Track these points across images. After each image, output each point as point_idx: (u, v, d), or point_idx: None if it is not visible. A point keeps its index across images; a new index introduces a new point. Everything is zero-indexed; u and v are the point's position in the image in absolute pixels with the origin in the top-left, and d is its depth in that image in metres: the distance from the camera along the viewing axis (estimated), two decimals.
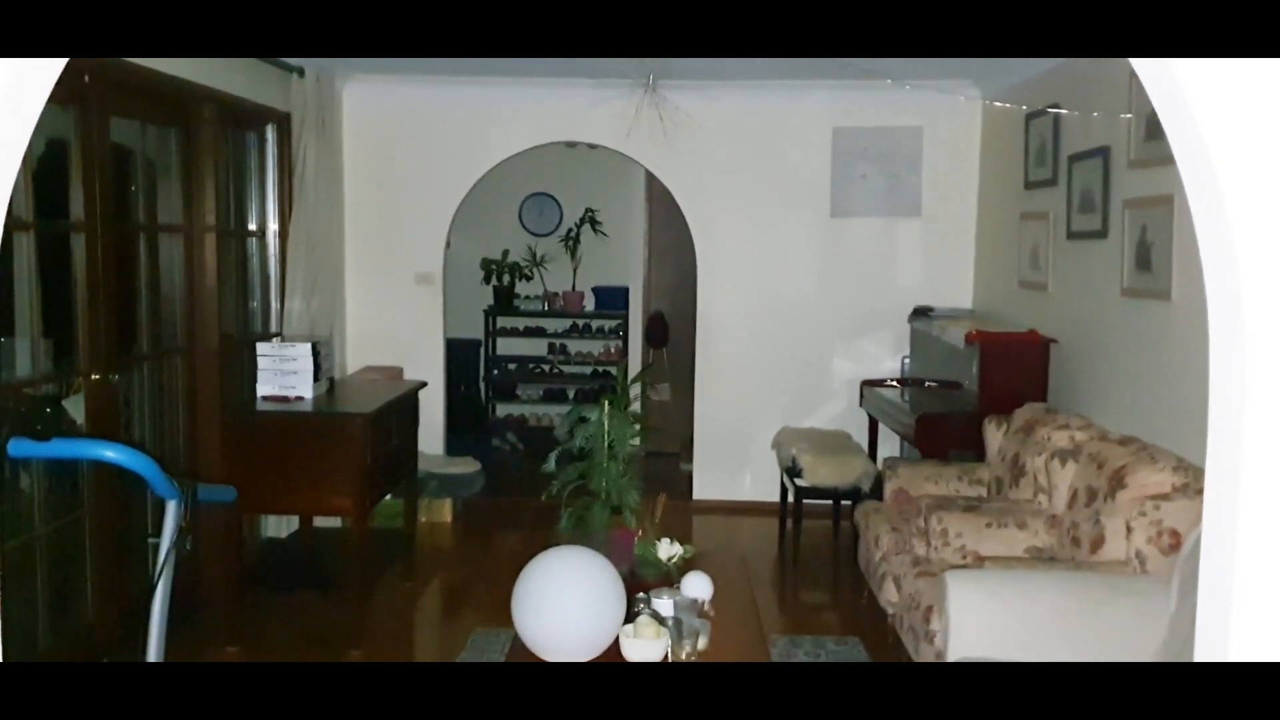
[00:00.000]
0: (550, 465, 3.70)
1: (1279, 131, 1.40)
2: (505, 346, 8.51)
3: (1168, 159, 1.60)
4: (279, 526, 5.57)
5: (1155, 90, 1.53)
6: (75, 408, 3.99)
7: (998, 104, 5.76)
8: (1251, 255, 1.44)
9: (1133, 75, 1.62)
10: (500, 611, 2.82)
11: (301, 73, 5.61)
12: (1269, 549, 1.46)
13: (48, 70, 1.47)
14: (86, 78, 3.89)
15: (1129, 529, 3.40)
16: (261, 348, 4.54)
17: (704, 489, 6.70)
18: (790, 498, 5.82)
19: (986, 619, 3.16)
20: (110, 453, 2.19)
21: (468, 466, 6.44)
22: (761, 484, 6.52)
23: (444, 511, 6.29)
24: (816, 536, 5.90)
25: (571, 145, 7.40)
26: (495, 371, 8.46)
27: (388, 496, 5.34)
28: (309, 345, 4.52)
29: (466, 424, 7.65)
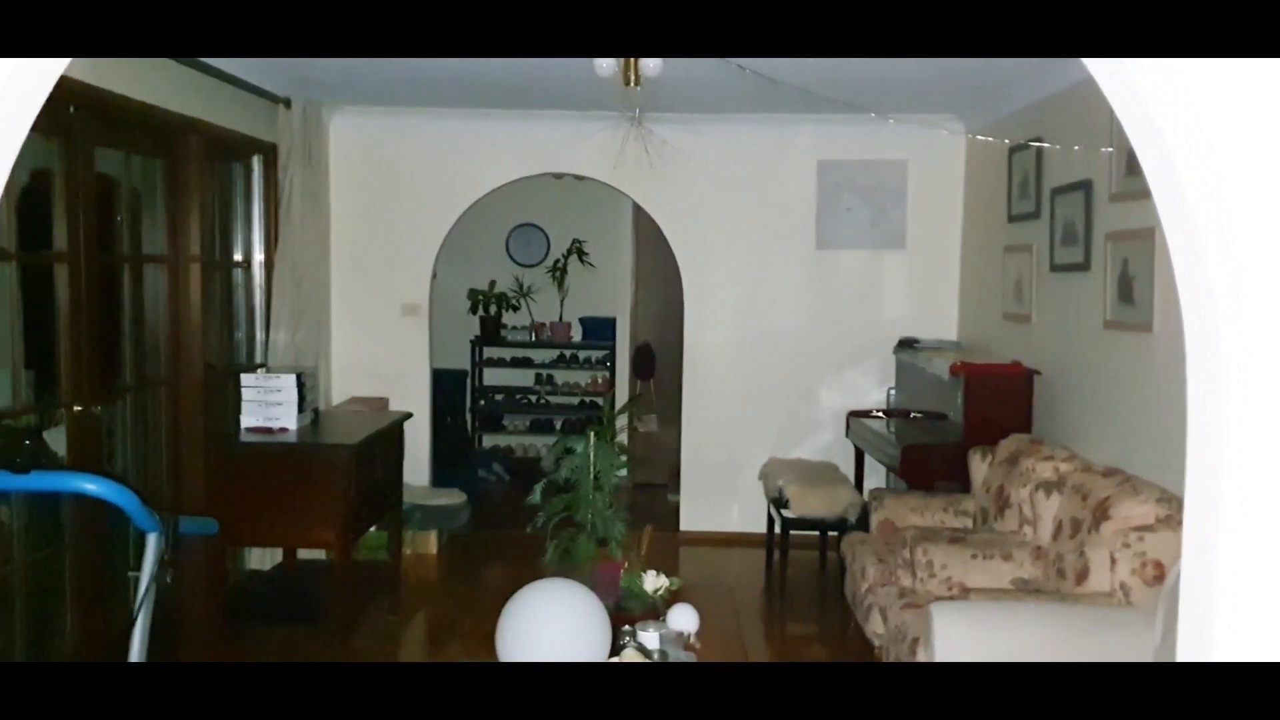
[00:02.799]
0: (535, 497, 3.69)
1: (1255, 156, 1.42)
2: (492, 377, 8.50)
3: (1148, 193, 1.61)
4: (262, 559, 5.52)
5: (1123, 112, 1.55)
6: (57, 439, 3.97)
7: (981, 137, 5.82)
8: (1226, 282, 1.45)
9: (1114, 113, 1.63)
10: (485, 644, 2.80)
11: (289, 103, 5.62)
12: (1248, 578, 1.46)
13: (32, 96, 1.47)
14: (71, 109, 3.89)
15: (1113, 560, 3.40)
16: (246, 379, 4.52)
17: (691, 520, 6.68)
18: (777, 529, 5.81)
19: (972, 650, 3.15)
20: (90, 485, 2.17)
21: (453, 498, 6.40)
22: (749, 515, 6.51)
23: (429, 544, 6.25)
24: (803, 568, 5.88)
25: (558, 176, 7.44)
26: (482, 402, 8.44)
27: (372, 529, 5.31)
28: (294, 376, 4.50)
29: (453, 455, 7.62)
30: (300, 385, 4.50)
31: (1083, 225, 4.54)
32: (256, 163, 5.66)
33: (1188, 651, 1.58)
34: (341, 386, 6.42)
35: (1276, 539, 1.45)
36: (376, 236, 6.49)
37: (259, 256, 5.70)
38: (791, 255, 6.53)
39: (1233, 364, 1.45)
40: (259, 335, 5.70)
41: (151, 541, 2.34)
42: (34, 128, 1.51)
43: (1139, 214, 3.97)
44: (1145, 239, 3.92)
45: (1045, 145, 4.96)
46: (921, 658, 3.40)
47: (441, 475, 6.85)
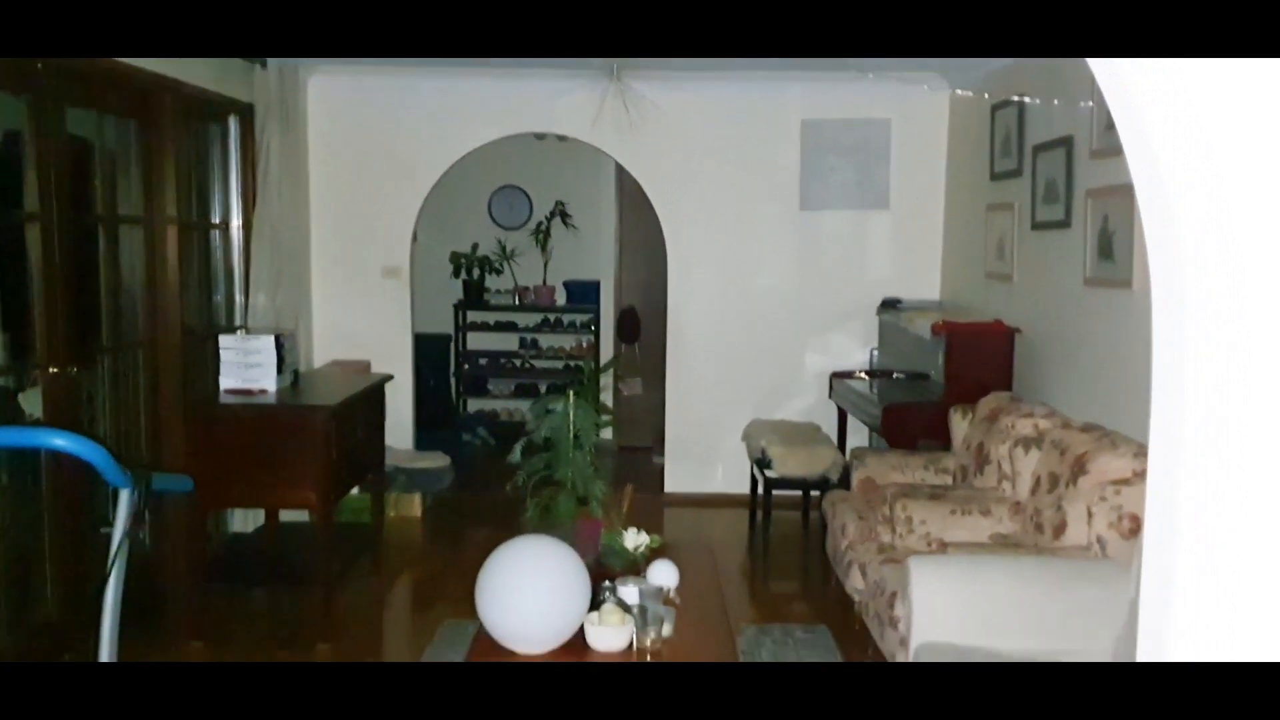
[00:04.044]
0: (516, 456, 3.69)
1: (1219, 116, 1.41)
2: (476, 341, 8.47)
3: None
4: (245, 522, 5.52)
5: (1102, 79, 1.54)
6: (33, 402, 3.94)
7: (962, 93, 5.79)
8: (1195, 238, 1.44)
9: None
10: (469, 603, 2.80)
11: (265, 64, 5.55)
12: (1210, 529, 1.47)
13: None
14: (40, 65, 3.82)
15: (1090, 514, 3.43)
16: (224, 340, 4.49)
17: (675, 482, 6.70)
18: (760, 489, 5.83)
19: (949, 604, 3.17)
20: (59, 440, 2.15)
21: (437, 461, 6.40)
22: (732, 477, 6.53)
23: (413, 506, 6.26)
24: (786, 527, 5.91)
25: (540, 137, 7.39)
26: (466, 366, 8.42)
27: (354, 491, 5.30)
28: (272, 337, 4.48)
29: (437, 419, 7.62)
30: (279, 346, 4.47)
31: (1064, 182, 4.54)
32: (233, 123, 5.59)
33: (1149, 598, 1.59)
34: (323, 350, 6.40)
35: (1237, 491, 1.46)
36: (356, 198, 6.44)
37: (237, 219, 5.65)
38: (775, 216, 6.51)
39: (1199, 321, 1.45)
40: (238, 299, 5.66)
41: (124, 498, 2.32)
42: (1, 86, 1.50)
43: (1119, 170, 3.96)
44: (1125, 195, 3.91)
45: (1027, 100, 4.94)
46: (899, 612, 3.43)
47: (425, 440, 6.84)
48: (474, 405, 8.57)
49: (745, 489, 6.21)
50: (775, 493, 5.71)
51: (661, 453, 6.89)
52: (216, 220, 5.57)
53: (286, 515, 5.23)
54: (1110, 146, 4.03)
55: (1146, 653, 1.58)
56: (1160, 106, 1.42)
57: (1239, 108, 1.39)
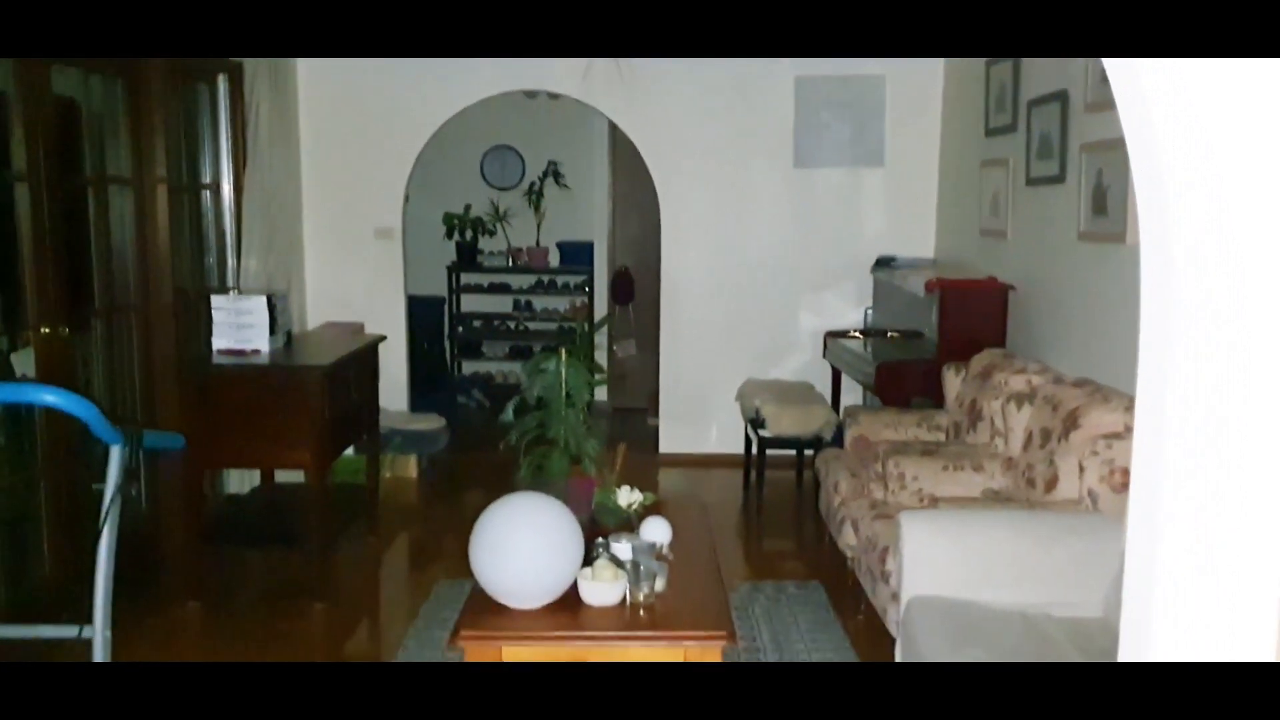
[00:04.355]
0: (508, 414, 3.69)
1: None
2: (470, 303, 8.45)
3: None
4: (241, 483, 5.53)
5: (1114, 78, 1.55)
6: (26, 363, 3.93)
7: None
8: (1182, 195, 1.44)
9: None
10: (465, 563, 2.81)
11: None
12: (1195, 480, 1.48)
13: None
14: None
15: (1081, 468, 3.44)
16: (216, 300, 4.48)
17: (670, 443, 6.72)
18: (754, 449, 5.84)
19: (940, 557, 3.19)
20: (49, 396, 2.15)
21: (432, 423, 6.41)
22: (726, 437, 6.54)
23: (409, 468, 6.27)
24: (780, 487, 5.94)
25: (531, 95, 7.32)
26: (460, 329, 8.41)
27: (349, 451, 5.31)
28: (264, 298, 4.46)
29: (431, 382, 7.62)
30: (271, 307, 4.46)
31: (1058, 137, 4.51)
32: (222, 83, 5.54)
33: (1135, 548, 1.60)
34: (316, 313, 6.38)
35: (1221, 441, 1.46)
36: (347, 158, 6.39)
37: (228, 181, 5.61)
38: (769, 174, 6.48)
39: (1186, 276, 1.46)
40: (230, 261, 5.63)
41: (114, 454, 2.33)
42: None
43: (1114, 123, 3.92)
44: (1119, 149, 3.88)
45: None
46: (890, 566, 3.45)
47: (420, 402, 6.85)
48: (469, 368, 8.57)
49: (740, 449, 6.23)
50: (769, 453, 5.72)
51: (656, 414, 6.90)
52: (207, 181, 5.53)
53: (282, 476, 5.24)
54: (1105, 100, 4.01)
55: (1131, 607, 1.59)
56: (1161, 106, 1.42)
57: (1239, 107, 1.39)
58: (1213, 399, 1.48)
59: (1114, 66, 1.50)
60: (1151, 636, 1.52)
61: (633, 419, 7.61)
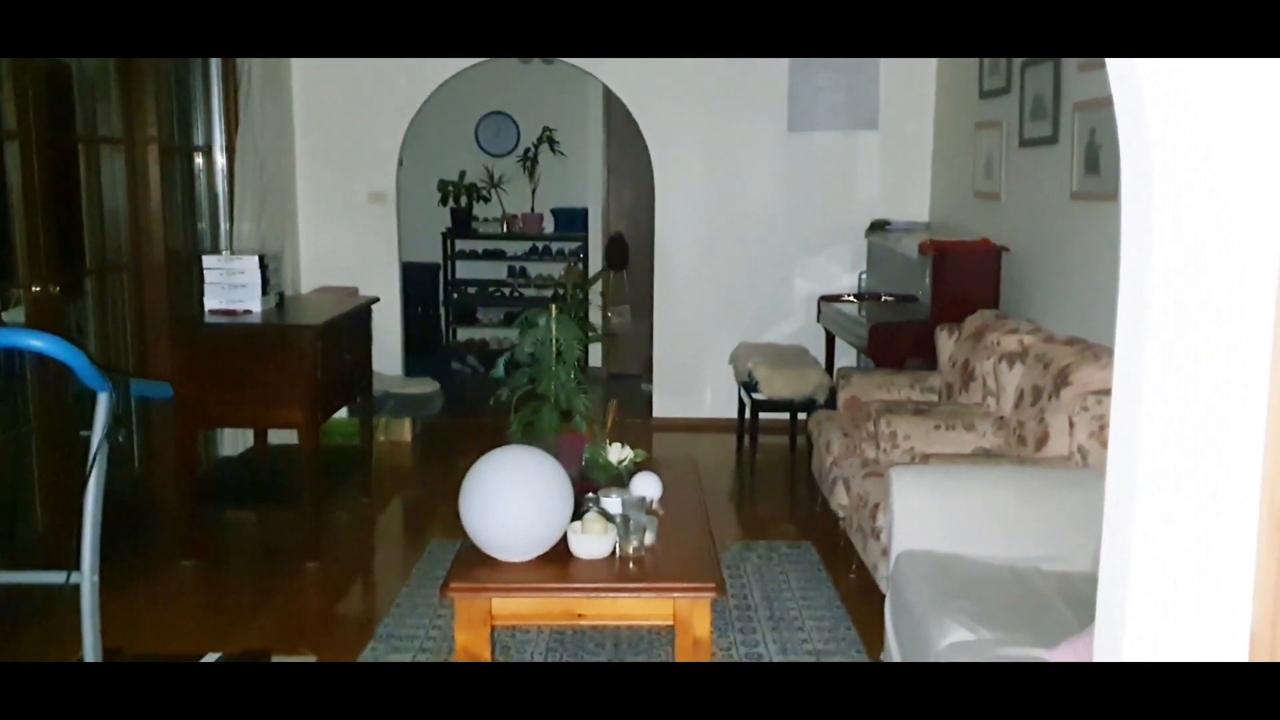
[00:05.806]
0: (499, 371, 3.69)
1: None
2: (464, 270, 8.44)
3: None
4: (234, 445, 5.54)
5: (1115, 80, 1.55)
6: (16, 320, 3.93)
7: None
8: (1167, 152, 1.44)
9: None
10: (459, 524, 2.82)
11: None
12: (1171, 436, 1.49)
13: None
14: None
15: (1071, 424, 3.45)
16: (208, 260, 4.48)
17: (664, 408, 6.73)
18: (747, 412, 5.85)
19: (930, 512, 3.20)
20: (36, 341, 2.15)
21: (426, 386, 6.42)
22: (720, 402, 6.56)
23: (403, 431, 6.29)
24: (773, 451, 5.95)
25: (526, 60, 7.28)
26: (455, 295, 8.40)
27: (343, 413, 5.32)
28: (256, 258, 4.46)
29: (426, 348, 7.62)
30: (263, 267, 4.46)
31: (1051, 97, 4.49)
32: None
33: (1114, 501, 1.61)
34: (310, 277, 6.37)
35: (1198, 397, 1.48)
36: (340, 121, 6.36)
37: (220, 143, 5.58)
38: (764, 137, 6.45)
39: (1164, 232, 1.46)
40: (223, 225, 5.62)
41: (102, 401, 2.33)
42: None
43: (1106, 82, 3.92)
44: (1111, 107, 3.87)
45: None
46: (881, 523, 3.47)
47: (415, 367, 6.85)
48: (463, 334, 8.57)
49: (733, 414, 6.24)
50: (763, 417, 5.73)
51: (650, 379, 6.91)
52: (200, 144, 5.50)
53: (275, 438, 5.25)
54: (1097, 59, 3.98)
55: (1110, 561, 1.61)
56: (1161, 106, 1.42)
57: (1239, 107, 1.39)
58: (1192, 365, 1.49)
59: (1114, 66, 1.51)
60: (1129, 593, 1.54)
61: (627, 385, 7.62)
